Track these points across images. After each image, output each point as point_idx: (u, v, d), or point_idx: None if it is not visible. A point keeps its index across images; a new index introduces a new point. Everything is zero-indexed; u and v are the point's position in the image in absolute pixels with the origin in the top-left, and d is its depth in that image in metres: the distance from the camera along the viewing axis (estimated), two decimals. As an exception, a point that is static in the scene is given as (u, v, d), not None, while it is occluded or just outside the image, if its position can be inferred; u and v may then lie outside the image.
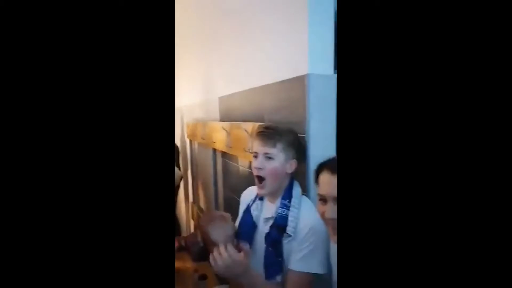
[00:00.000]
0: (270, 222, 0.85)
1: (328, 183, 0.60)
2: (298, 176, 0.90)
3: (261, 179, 0.85)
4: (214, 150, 1.88)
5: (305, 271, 0.77)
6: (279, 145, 0.83)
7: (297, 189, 0.87)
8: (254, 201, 0.94)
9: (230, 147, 1.47)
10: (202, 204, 2.37)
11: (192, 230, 2.75)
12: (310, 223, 0.77)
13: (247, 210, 0.94)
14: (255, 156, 0.86)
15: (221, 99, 1.75)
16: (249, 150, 1.21)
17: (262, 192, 0.87)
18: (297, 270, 0.78)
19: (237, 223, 1.00)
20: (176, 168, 2.26)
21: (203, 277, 1.89)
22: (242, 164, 1.46)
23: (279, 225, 0.81)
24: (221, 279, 1.80)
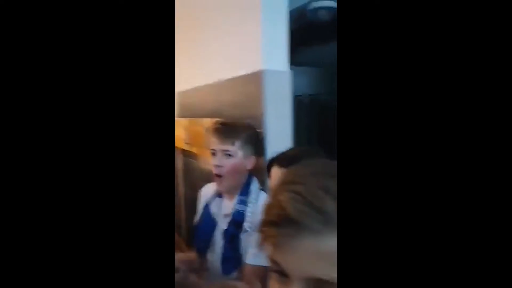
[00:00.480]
0: (229, 219, 0.84)
1: (278, 177, 0.61)
2: (256, 170, 0.91)
3: (220, 176, 0.84)
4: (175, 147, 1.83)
5: (260, 265, 0.78)
6: (238, 142, 0.83)
7: (255, 185, 0.87)
8: (213, 198, 0.93)
9: (189, 144, 1.43)
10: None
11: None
12: None
13: (206, 207, 0.93)
14: (214, 154, 0.85)
15: (179, 94, 1.70)
16: (207, 147, 1.20)
17: (221, 189, 0.87)
18: (253, 264, 0.79)
19: (196, 220, 0.98)
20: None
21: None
22: (202, 161, 1.43)
23: (237, 221, 0.81)
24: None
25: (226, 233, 0.83)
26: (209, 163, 1.20)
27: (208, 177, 1.32)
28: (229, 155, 0.82)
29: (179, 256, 0.84)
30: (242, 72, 1.03)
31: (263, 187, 0.90)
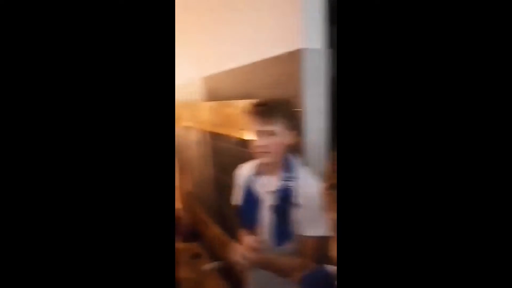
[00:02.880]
0: (275, 195, 0.88)
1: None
2: (296, 147, 0.94)
3: (264, 156, 0.87)
4: (201, 131, 1.87)
5: (314, 235, 0.83)
6: (279, 120, 0.85)
7: (296, 161, 0.91)
8: (254, 177, 0.97)
9: (220, 126, 1.47)
10: (189, 186, 2.37)
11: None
12: (312, 191, 0.82)
13: (248, 186, 0.97)
14: (256, 134, 0.87)
15: (206, 79, 1.72)
16: (243, 128, 1.23)
17: (265, 168, 0.91)
18: (307, 235, 0.84)
19: (235, 200, 1.03)
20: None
21: (196, 256, 1.93)
22: (232, 143, 1.47)
23: (285, 196, 0.85)
24: (214, 257, 1.85)
25: (276, 208, 0.87)
26: (242, 144, 1.24)
27: (238, 158, 1.36)
28: (272, 133, 0.85)
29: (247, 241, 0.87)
30: (276, 52, 1.04)
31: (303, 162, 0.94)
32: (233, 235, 1.58)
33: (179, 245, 2.00)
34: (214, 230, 1.85)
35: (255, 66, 1.20)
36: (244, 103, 1.21)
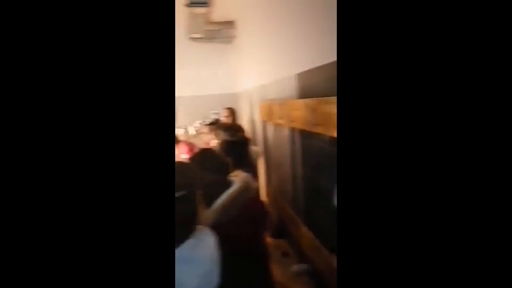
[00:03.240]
0: None
1: None
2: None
3: None
4: (292, 129, 1.85)
5: None
6: None
7: None
8: None
9: (314, 124, 1.41)
10: (277, 184, 2.40)
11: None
12: None
13: None
14: None
15: (300, 75, 1.69)
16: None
17: None
18: None
19: (336, 201, 0.96)
20: (255, 147, 2.31)
21: (286, 255, 1.93)
22: (325, 142, 1.40)
23: None
24: (301, 258, 1.81)
25: None
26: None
27: (332, 157, 1.28)
28: None
29: None
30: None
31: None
32: (324, 238, 1.51)
33: (269, 240, 2.03)
34: (303, 230, 1.81)
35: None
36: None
